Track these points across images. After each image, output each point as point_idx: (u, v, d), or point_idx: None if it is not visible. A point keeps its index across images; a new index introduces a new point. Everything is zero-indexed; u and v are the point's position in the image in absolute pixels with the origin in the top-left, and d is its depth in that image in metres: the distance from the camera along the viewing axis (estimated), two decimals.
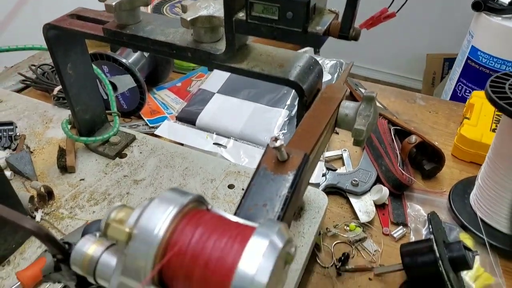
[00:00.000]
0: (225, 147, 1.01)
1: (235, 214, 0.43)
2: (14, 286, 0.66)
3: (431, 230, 0.68)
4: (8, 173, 0.86)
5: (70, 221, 0.78)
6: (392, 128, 0.97)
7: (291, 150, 0.47)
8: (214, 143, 1.02)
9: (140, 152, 0.94)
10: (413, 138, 0.92)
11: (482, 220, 0.82)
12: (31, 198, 0.78)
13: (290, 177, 0.45)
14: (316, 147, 0.52)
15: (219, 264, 0.32)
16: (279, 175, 0.45)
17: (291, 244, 0.35)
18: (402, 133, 0.98)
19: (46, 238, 0.46)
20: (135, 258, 0.33)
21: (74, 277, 0.46)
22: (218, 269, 0.32)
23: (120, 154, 0.94)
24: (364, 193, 0.89)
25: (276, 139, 0.44)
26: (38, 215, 0.78)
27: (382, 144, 0.94)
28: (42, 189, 0.81)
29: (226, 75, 1.23)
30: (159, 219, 0.33)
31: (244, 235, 0.33)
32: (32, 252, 0.72)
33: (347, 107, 0.58)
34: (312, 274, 0.76)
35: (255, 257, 0.31)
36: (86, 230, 0.49)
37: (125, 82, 1.09)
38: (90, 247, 0.40)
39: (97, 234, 0.43)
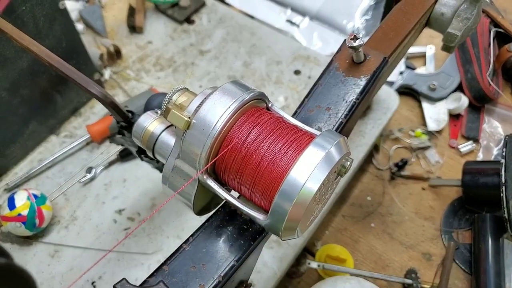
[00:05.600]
0: (298, 26, 0.94)
1: (294, 113, 0.40)
2: (85, 138, 0.72)
3: (504, 153, 0.63)
4: (81, 26, 0.87)
5: (136, 83, 0.81)
6: (493, 30, 0.84)
7: (369, 51, 0.42)
8: (287, 20, 0.95)
9: (209, 21, 0.90)
10: None
11: None
12: (101, 55, 0.80)
13: (362, 82, 0.41)
14: (399, 49, 0.46)
15: (270, 167, 0.31)
16: (350, 78, 0.41)
17: (347, 158, 0.33)
18: (504, 38, 0.84)
19: (111, 105, 0.47)
20: (191, 145, 0.33)
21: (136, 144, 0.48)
22: (269, 171, 0.31)
23: (189, 20, 0.91)
24: (440, 99, 0.81)
25: (355, 37, 0.38)
26: (107, 73, 0.81)
27: (475, 47, 0.82)
28: (112, 48, 0.82)
29: None
30: (218, 113, 0.32)
31: (300, 143, 0.32)
32: (101, 107, 0.76)
33: (446, 5, 0.49)
34: (365, 173, 0.75)
35: (308, 167, 0.30)
36: (149, 102, 0.50)
37: None
38: (151, 124, 0.41)
39: (159, 111, 0.43)
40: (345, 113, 0.40)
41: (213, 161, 0.32)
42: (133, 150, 0.53)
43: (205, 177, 0.33)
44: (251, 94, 0.33)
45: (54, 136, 0.75)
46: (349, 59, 0.42)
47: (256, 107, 0.34)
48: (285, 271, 0.62)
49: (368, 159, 0.76)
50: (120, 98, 0.79)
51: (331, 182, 0.33)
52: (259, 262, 0.62)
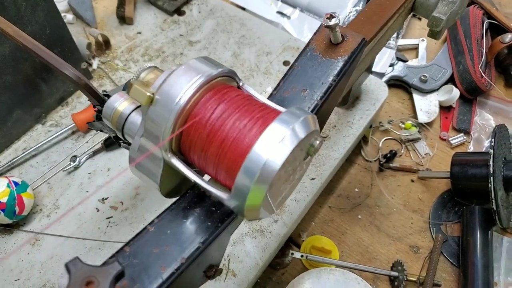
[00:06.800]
0: (288, 17, 0.93)
1: (270, 95, 0.39)
2: (70, 126, 0.71)
3: (492, 143, 0.61)
4: (70, 16, 0.87)
5: (123, 73, 0.80)
6: (486, 21, 0.82)
7: (348, 32, 0.41)
8: (277, 12, 0.94)
9: (199, 12, 0.89)
10: (508, 37, 0.77)
11: None
12: (89, 45, 0.79)
13: (339, 63, 0.39)
14: (381, 33, 0.45)
15: (234, 144, 0.30)
16: (327, 59, 0.40)
17: (316, 137, 0.32)
18: (497, 29, 0.83)
19: (85, 87, 0.46)
20: (155, 122, 0.32)
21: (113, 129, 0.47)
22: (233, 148, 0.30)
23: (179, 11, 0.90)
24: (431, 91, 0.80)
25: (331, 16, 0.37)
26: (95, 63, 0.80)
27: (468, 38, 0.81)
28: (100, 37, 0.81)
29: None
30: (182, 88, 0.31)
31: (266, 119, 0.31)
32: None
33: None
34: (353, 165, 0.74)
35: (272, 143, 0.29)
36: (126, 85, 0.49)
37: None
38: (121, 104, 0.40)
39: None
40: (320, 95, 0.38)
41: (175, 134, 0.31)
42: (111, 135, 0.52)
43: (169, 155, 0.32)
44: (220, 69, 0.32)
45: (40, 125, 0.74)
46: (326, 40, 0.41)
47: (225, 84, 0.33)
48: (268, 261, 0.61)
49: (357, 150, 0.75)
50: (107, 87, 0.78)
51: (299, 160, 0.32)
52: (241, 252, 0.61)
